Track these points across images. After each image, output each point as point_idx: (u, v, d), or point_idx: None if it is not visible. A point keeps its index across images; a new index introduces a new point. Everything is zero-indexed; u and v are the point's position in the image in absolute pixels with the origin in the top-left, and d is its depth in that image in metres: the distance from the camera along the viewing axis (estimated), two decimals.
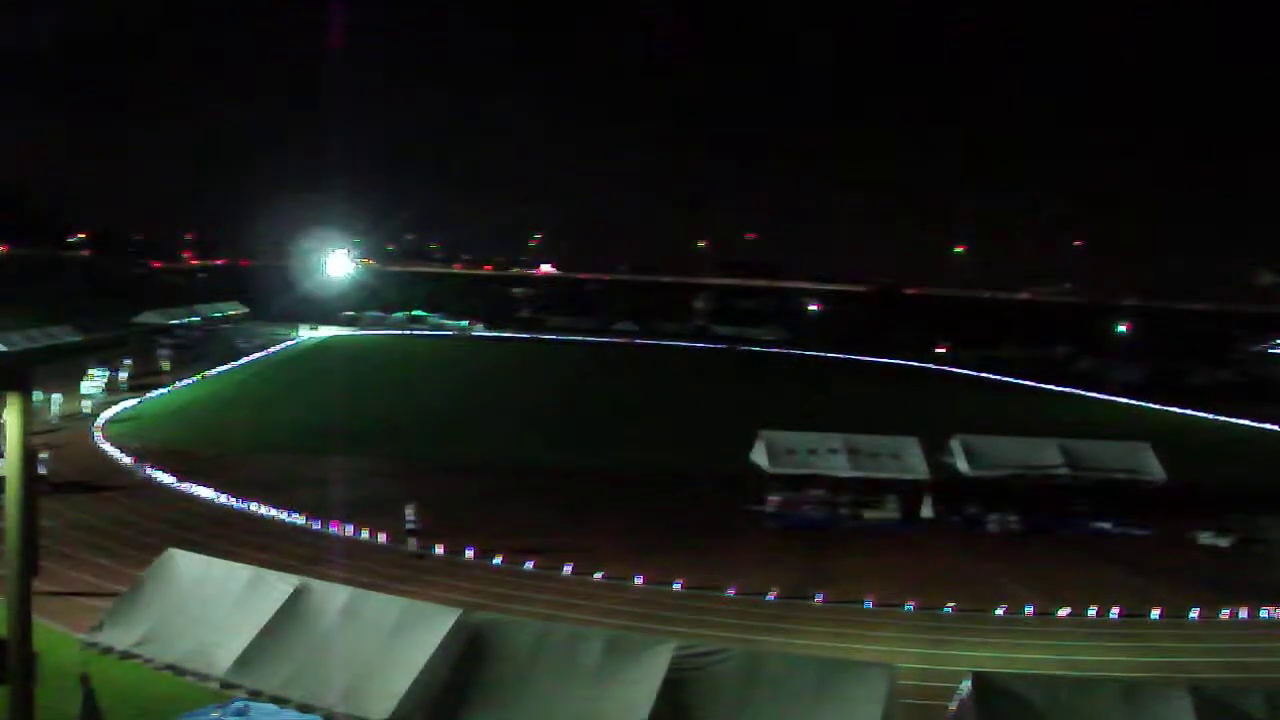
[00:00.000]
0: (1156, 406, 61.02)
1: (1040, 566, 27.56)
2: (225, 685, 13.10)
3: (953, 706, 12.43)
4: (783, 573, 25.66)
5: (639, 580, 24.56)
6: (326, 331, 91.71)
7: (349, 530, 27.67)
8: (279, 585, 14.04)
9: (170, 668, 13.51)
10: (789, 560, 27.22)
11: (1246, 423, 55.55)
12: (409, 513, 27.13)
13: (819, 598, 23.85)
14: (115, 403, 46.15)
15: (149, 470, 33.15)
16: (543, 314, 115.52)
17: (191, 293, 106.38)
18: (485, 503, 31.97)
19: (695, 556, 26.81)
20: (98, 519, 27.89)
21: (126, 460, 35.11)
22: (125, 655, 13.76)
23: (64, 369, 48.06)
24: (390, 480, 35.18)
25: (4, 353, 53.24)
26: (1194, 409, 59.13)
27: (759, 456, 32.18)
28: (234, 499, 30.33)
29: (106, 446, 37.30)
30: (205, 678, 13.20)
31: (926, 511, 31.67)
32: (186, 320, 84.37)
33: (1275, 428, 54.07)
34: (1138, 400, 63.34)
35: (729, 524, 30.69)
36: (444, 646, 12.55)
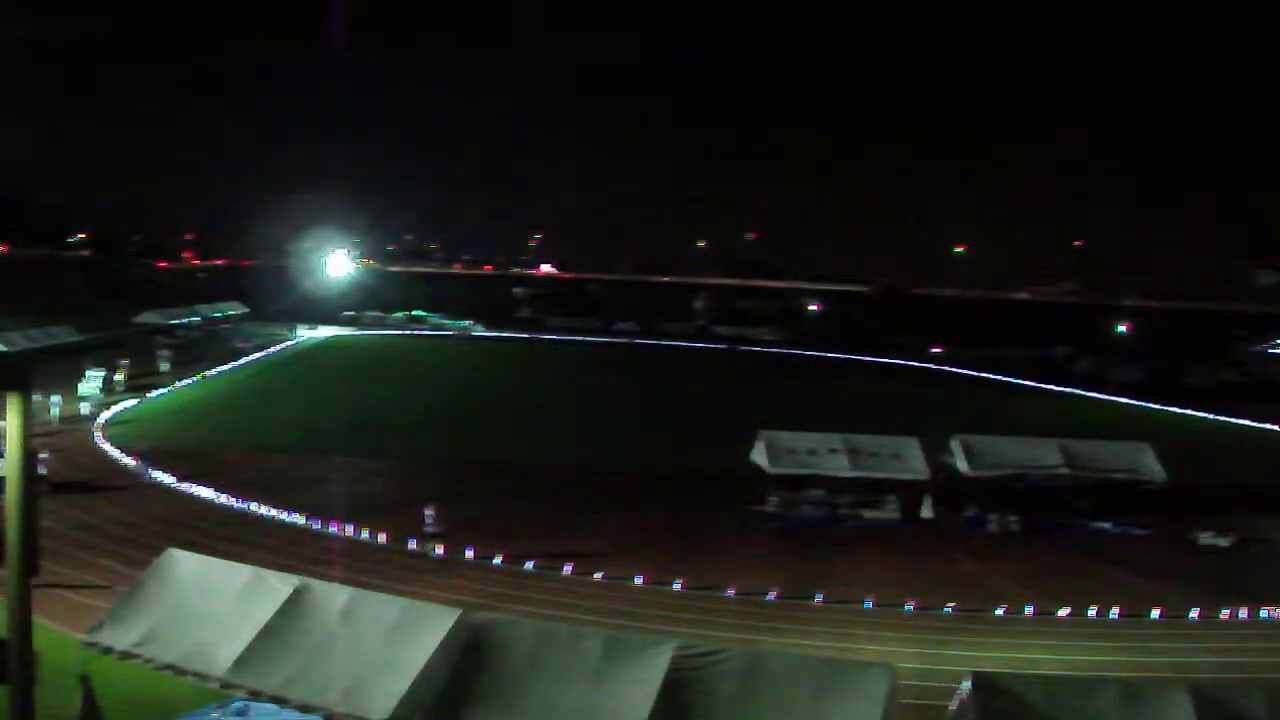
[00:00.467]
0: (1156, 406, 61.02)
1: (1040, 566, 27.57)
2: (225, 685, 13.09)
3: (953, 706, 12.42)
4: (783, 573, 25.66)
5: (639, 580, 24.57)
6: (325, 331, 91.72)
7: (349, 530, 27.67)
8: (279, 585, 14.03)
9: (170, 668, 13.50)
10: (789, 560, 27.22)
11: (1246, 423, 55.55)
12: (428, 515, 26.90)
13: (819, 598, 23.85)
14: (113, 403, 46.15)
15: (152, 472, 33.06)
16: (543, 314, 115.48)
17: (191, 293, 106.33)
18: (485, 503, 31.97)
19: (695, 556, 26.82)
20: (98, 519, 27.89)
21: (128, 461, 35.13)
22: (125, 655, 13.75)
23: (63, 369, 48.07)
24: (390, 480, 35.24)
25: (4, 353, 53.22)
26: (1194, 409, 59.11)
27: (759, 456, 32.18)
28: (234, 499, 30.34)
29: (107, 447, 37.31)
30: (205, 678, 13.19)
31: (926, 511, 31.67)
32: (186, 320, 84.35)
33: (1275, 428, 54.06)
34: (1138, 400, 63.34)
35: (729, 524, 30.69)
36: (444, 646, 12.54)
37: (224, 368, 62.71)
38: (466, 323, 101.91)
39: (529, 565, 25.39)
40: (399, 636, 12.82)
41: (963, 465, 31.96)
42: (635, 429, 49.02)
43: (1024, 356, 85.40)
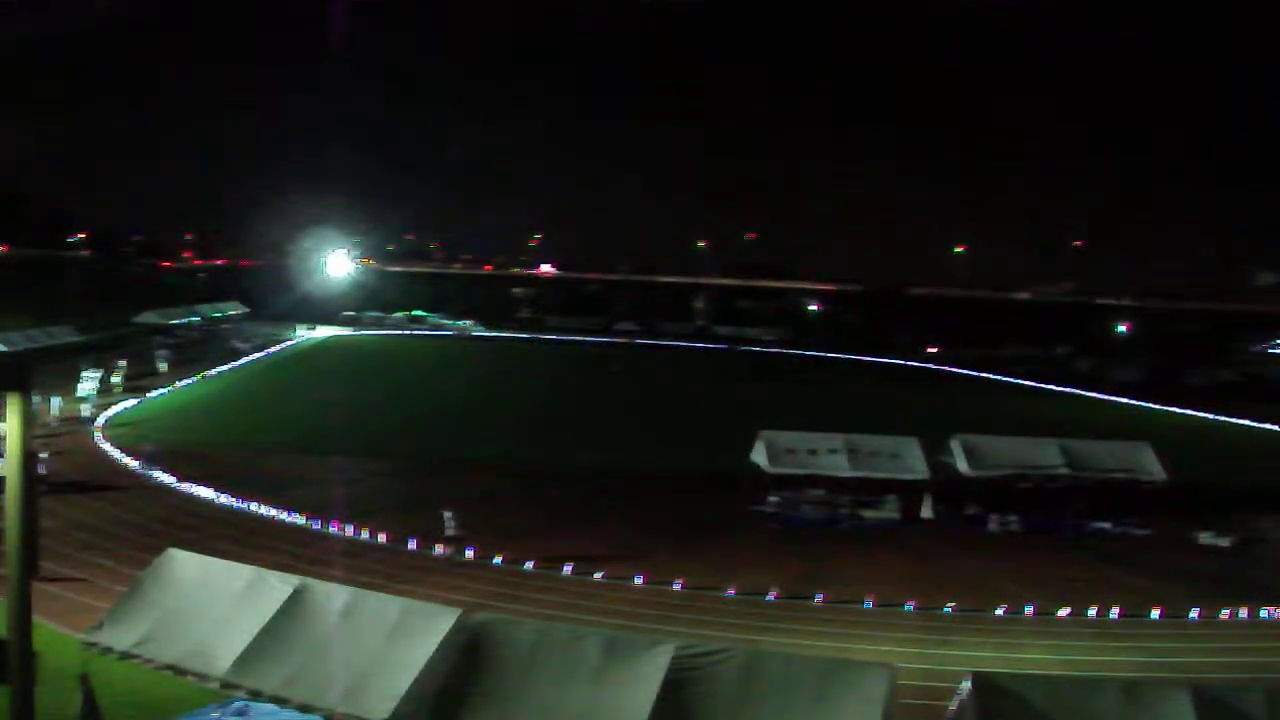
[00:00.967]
0: (1156, 406, 61.05)
1: (1040, 566, 27.57)
2: (225, 685, 13.09)
3: (953, 706, 12.42)
4: (783, 573, 25.66)
5: (639, 580, 24.57)
6: (324, 331, 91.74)
7: (349, 530, 27.68)
8: (279, 585, 14.03)
9: (170, 668, 13.50)
10: (789, 560, 27.23)
11: (1246, 423, 55.57)
12: (448, 518, 26.82)
13: (819, 598, 23.86)
14: (111, 404, 46.12)
15: (157, 474, 32.90)
16: (543, 314, 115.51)
17: (191, 293, 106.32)
18: (485, 503, 31.96)
19: (695, 556, 26.83)
20: (98, 519, 27.90)
21: (128, 461, 35.12)
22: (125, 655, 13.75)
23: (62, 370, 48.07)
24: (390, 480, 35.25)
25: (4, 353, 53.24)
26: (1194, 409, 59.15)
27: (759, 456, 32.18)
28: (234, 499, 30.34)
29: (107, 447, 37.32)
30: (205, 678, 13.19)
31: (926, 511, 31.67)
32: (186, 320, 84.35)
33: (1275, 428, 54.08)
34: (1138, 400, 63.37)
35: (729, 524, 30.70)
36: (444, 646, 12.54)
37: (224, 368, 62.71)
38: (466, 323, 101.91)
39: (529, 565, 25.39)
40: (399, 636, 12.82)
41: (963, 465, 31.95)
42: (635, 429, 49.02)
43: (1024, 356, 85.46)
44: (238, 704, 13.85)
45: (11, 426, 11.64)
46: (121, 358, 56.06)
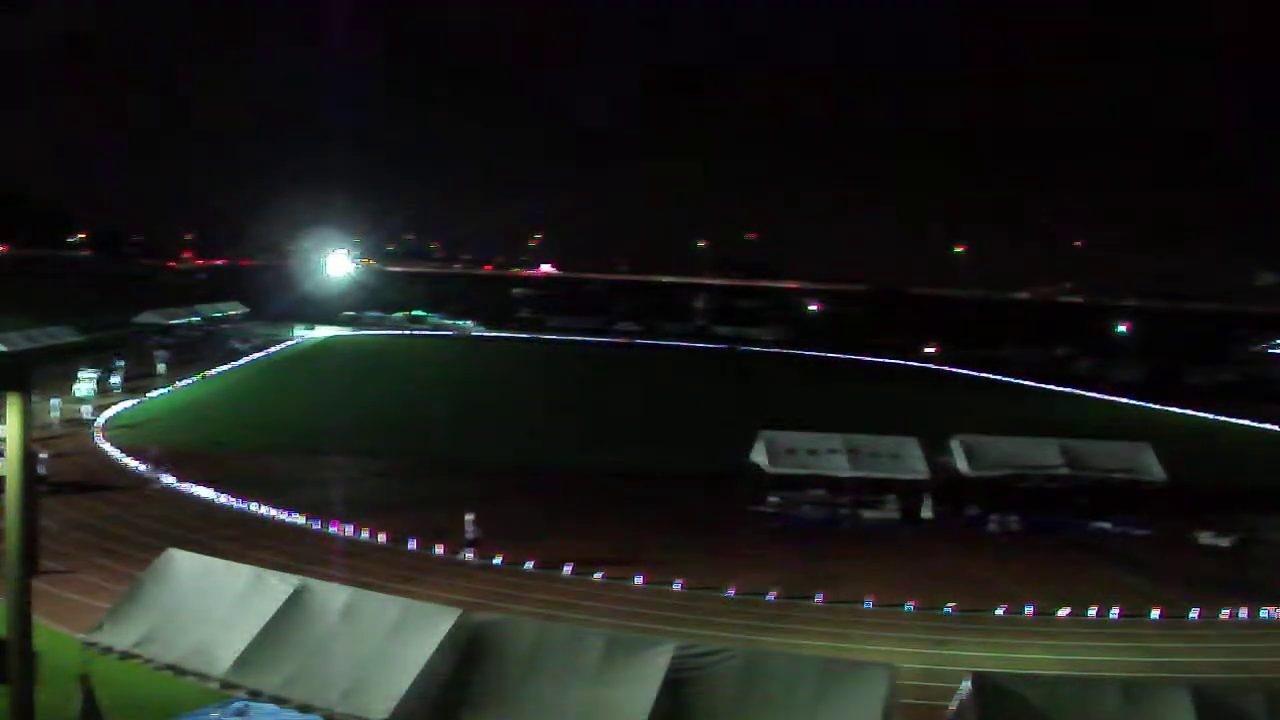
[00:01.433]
0: (1156, 406, 61.04)
1: (1040, 566, 27.57)
2: (225, 685, 13.10)
3: (953, 706, 12.43)
4: (783, 573, 25.65)
5: (639, 580, 24.57)
6: (324, 332, 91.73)
7: (349, 530, 27.67)
8: (279, 585, 14.03)
9: (170, 668, 13.51)
10: (789, 560, 27.21)
11: (1246, 423, 55.56)
12: (469, 522, 26.64)
13: (819, 598, 23.85)
14: (110, 405, 46.08)
15: (164, 476, 32.65)
16: (543, 314, 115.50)
17: (191, 293, 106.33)
18: (485, 503, 31.91)
19: (695, 556, 26.81)
20: (98, 519, 27.89)
21: (129, 461, 35.10)
22: (125, 655, 13.75)
23: (60, 371, 48.03)
24: (390, 480, 35.24)
25: (4, 353, 53.20)
26: (1194, 409, 59.14)
27: (759, 456, 32.16)
28: (234, 499, 30.34)
29: (107, 447, 37.30)
30: (205, 678, 13.19)
31: (926, 511, 31.66)
32: (186, 320, 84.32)
33: (1275, 428, 54.07)
34: (1138, 400, 63.36)
35: (729, 524, 30.69)
36: (444, 646, 12.55)
37: (224, 368, 62.69)
38: (466, 323, 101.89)
39: (529, 565, 25.39)
40: (399, 636, 12.83)
41: (963, 465, 31.94)
42: (635, 429, 49.01)
43: (1023, 356, 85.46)
44: (238, 704, 13.84)
45: (11, 426, 11.65)
46: (120, 358, 56.02)
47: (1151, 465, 32.14)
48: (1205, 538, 30.15)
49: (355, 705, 12.12)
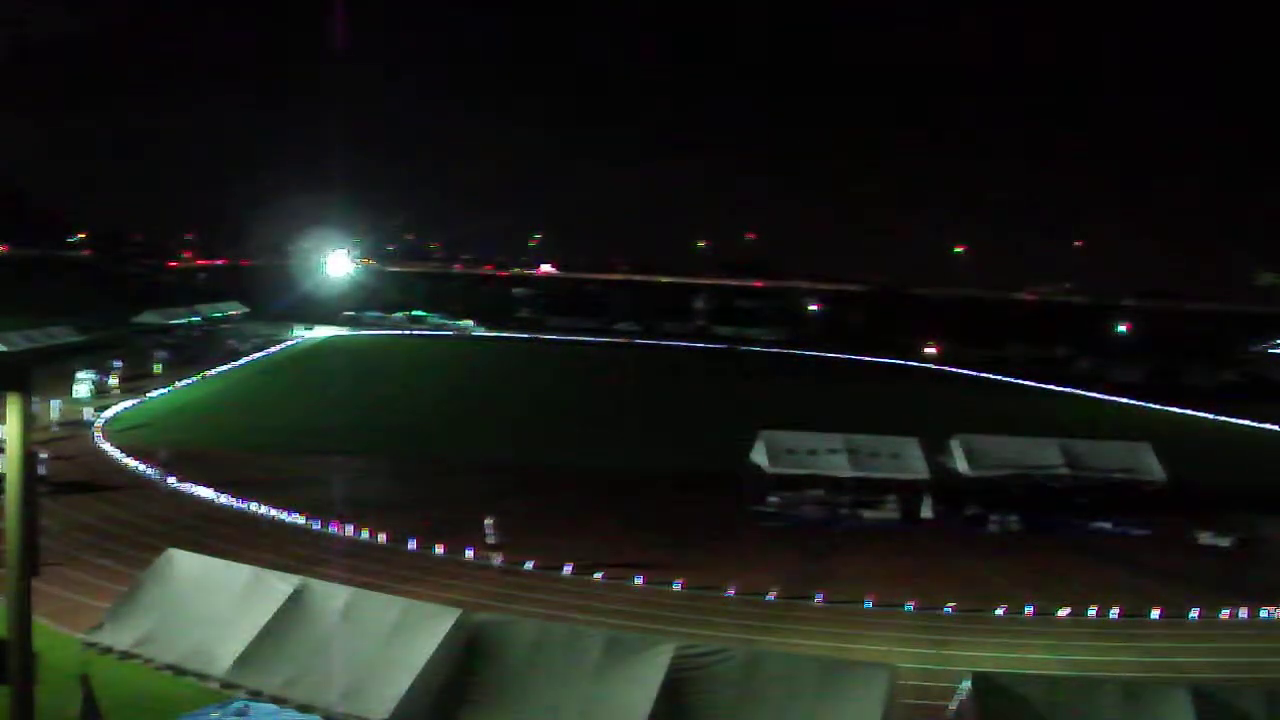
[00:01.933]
0: (1156, 406, 61.05)
1: (1040, 566, 27.57)
2: (225, 685, 13.10)
3: (953, 706, 12.43)
4: (783, 573, 25.67)
5: (639, 580, 24.57)
6: (323, 331, 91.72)
7: (349, 530, 27.67)
8: (279, 585, 14.03)
9: (170, 668, 13.50)
10: (789, 560, 27.23)
11: (1246, 423, 55.56)
12: (488, 526, 26.57)
13: (819, 598, 23.86)
14: (108, 406, 46.04)
15: (172, 481, 32.54)
16: (543, 314, 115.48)
17: (191, 293, 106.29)
18: (485, 503, 31.94)
19: (695, 556, 26.82)
20: (98, 519, 27.90)
21: (129, 461, 35.09)
22: (125, 655, 13.75)
23: (59, 371, 48.02)
24: (391, 480, 35.25)
25: (4, 353, 53.21)
26: (1194, 409, 59.15)
27: (759, 456, 32.18)
28: (234, 499, 30.34)
29: (107, 447, 37.31)
30: (205, 678, 13.19)
31: (926, 511, 31.67)
32: (186, 320, 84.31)
33: (1275, 428, 54.07)
34: (1138, 400, 63.37)
35: (729, 524, 30.70)
36: (444, 646, 12.55)
37: (224, 368, 62.67)
38: (466, 323, 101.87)
39: (529, 565, 25.39)
40: (399, 636, 12.83)
41: (963, 465, 31.96)
42: (635, 429, 49.01)
43: (1024, 356, 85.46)
44: (238, 704, 13.86)
45: (11, 426, 11.64)
46: (118, 358, 56.01)
47: (1151, 465, 32.17)
48: (1205, 538, 30.16)
49: (355, 705, 12.12)
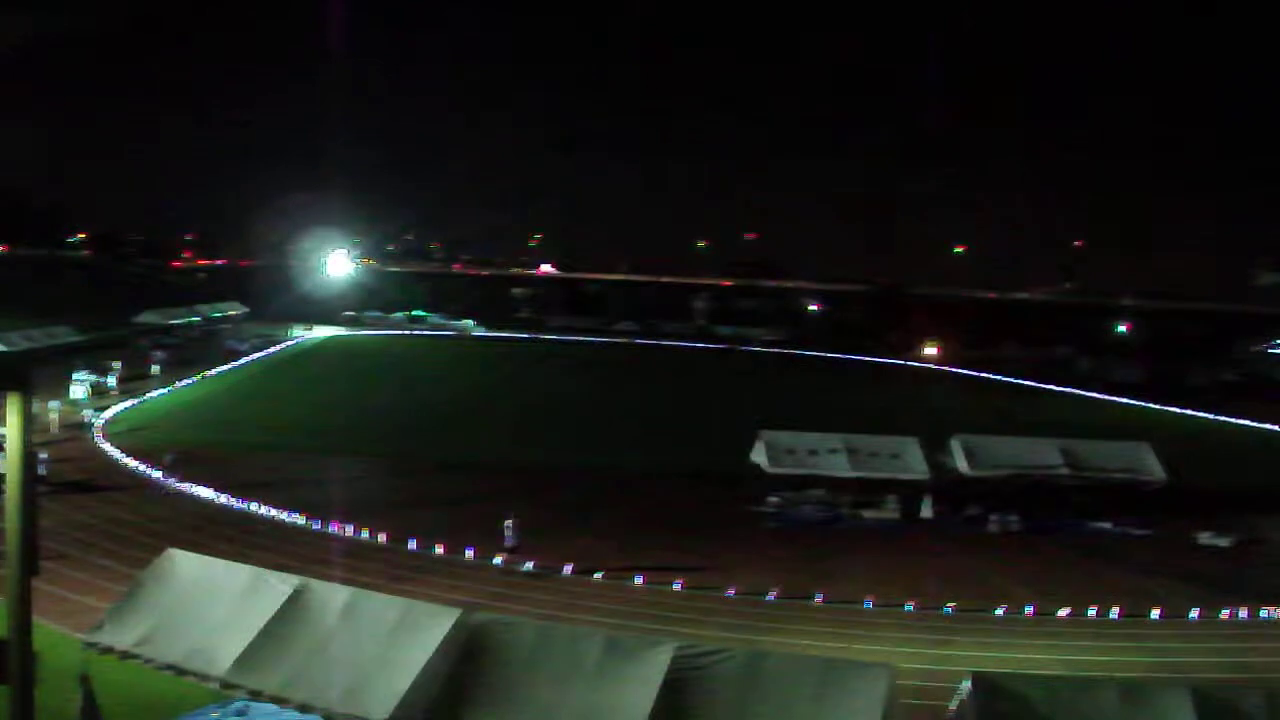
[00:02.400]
0: (1156, 406, 61.05)
1: (1040, 566, 27.57)
2: (225, 685, 13.09)
3: (953, 706, 12.43)
4: (783, 573, 25.66)
5: (639, 580, 24.57)
6: (322, 331, 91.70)
7: (349, 530, 27.67)
8: (279, 585, 14.02)
9: (170, 668, 13.50)
10: (789, 560, 27.23)
11: (1246, 423, 55.56)
12: (507, 528, 26.23)
13: (819, 598, 23.86)
14: (106, 406, 46.01)
15: (177, 482, 32.35)
16: (543, 314, 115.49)
17: (191, 293, 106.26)
18: (485, 503, 31.95)
19: (695, 557, 26.82)
20: (98, 519, 27.90)
21: (129, 462, 35.09)
22: (125, 655, 13.74)
23: (57, 372, 47.97)
24: (391, 480, 35.24)
25: (4, 353, 53.19)
26: (1194, 409, 59.15)
27: (759, 456, 32.18)
28: (234, 499, 30.34)
29: (107, 447, 37.30)
30: (205, 678, 13.18)
31: (926, 511, 31.67)
32: (186, 320, 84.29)
33: (1275, 428, 54.07)
34: (1138, 400, 63.37)
35: (729, 524, 30.70)
36: (444, 646, 12.54)
37: (223, 368, 62.65)
38: (466, 323, 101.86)
39: (530, 565, 25.38)
40: (399, 636, 12.82)
41: (963, 465, 31.95)
42: (635, 429, 49.01)
43: (1023, 356, 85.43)
44: (238, 704, 13.85)
45: (11, 426, 11.64)
46: (117, 359, 55.99)
47: (1151, 465, 32.16)
48: (1205, 538, 30.15)
49: (355, 705, 12.12)
